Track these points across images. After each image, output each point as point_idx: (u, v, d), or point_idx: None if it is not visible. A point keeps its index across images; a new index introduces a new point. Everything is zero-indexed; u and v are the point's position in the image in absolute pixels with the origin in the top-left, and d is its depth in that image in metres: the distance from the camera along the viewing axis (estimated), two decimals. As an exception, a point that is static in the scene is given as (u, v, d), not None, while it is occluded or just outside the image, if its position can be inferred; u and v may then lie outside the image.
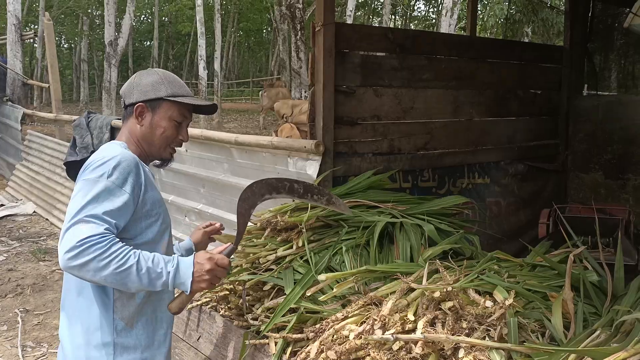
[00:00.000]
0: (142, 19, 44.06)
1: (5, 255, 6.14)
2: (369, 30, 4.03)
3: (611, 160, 5.07)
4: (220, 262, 1.77)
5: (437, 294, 1.64)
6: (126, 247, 1.65)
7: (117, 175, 1.71)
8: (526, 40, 16.67)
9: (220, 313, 2.42)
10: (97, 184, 1.68)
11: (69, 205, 1.68)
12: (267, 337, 2.13)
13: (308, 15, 19.28)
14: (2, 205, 8.20)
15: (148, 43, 44.24)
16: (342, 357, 1.68)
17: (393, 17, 34.60)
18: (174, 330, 2.69)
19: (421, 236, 2.35)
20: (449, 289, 1.63)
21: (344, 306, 2.09)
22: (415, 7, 38.01)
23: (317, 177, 3.58)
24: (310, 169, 3.65)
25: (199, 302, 2.51)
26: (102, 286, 1.78)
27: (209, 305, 2.49)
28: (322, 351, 1.75)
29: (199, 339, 2.49)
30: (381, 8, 24.61)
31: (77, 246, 1.56)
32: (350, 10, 15.38)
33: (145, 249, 1.76)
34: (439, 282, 1.79)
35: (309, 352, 1.77)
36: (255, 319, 2.28)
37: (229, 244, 1.91)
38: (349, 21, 15.59)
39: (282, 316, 2.15)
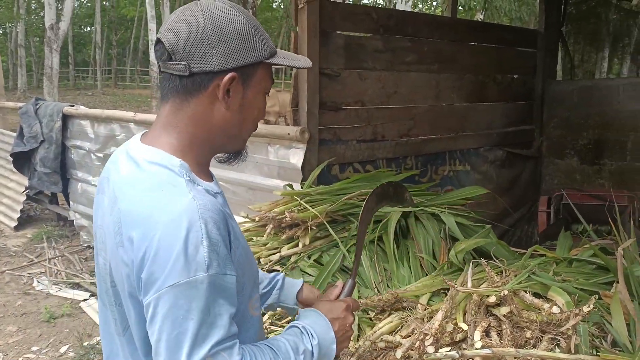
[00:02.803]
0: (83, 2, 42.23)
1: (-55, 255, 5.59)
2: (353, 9, 3.81)
3: (587, 146, 5.04)
4: (355, 307, 1.34)
5: (492, 299, 1.43)
6: (259, 350, 1.10)
7: (214, 258, 1.02)
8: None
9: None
10: (197, 289, 1.00)
11: (158, 337, 1.01)
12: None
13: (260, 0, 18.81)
14: (-61, 200, 7.53)
15: (89, 28, 42.51)
16: (384, 374, 1.46)
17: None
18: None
19: (439, 230, 2.15)
20: (505, 292, 1.42)
21: (364, 311, 1.88)
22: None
23: (301, 167, 3.34)
24: (294, 158, 3.40)
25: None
26: None
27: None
28: (357, 367, 1.52)
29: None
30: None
31: None
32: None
33: (239, 316, 1.15)
34: (484, 284, 1.59)
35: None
36: (260, 327, 2.02)
37: (346, 281, 1.38)
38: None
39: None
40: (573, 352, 1.29)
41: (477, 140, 4.73)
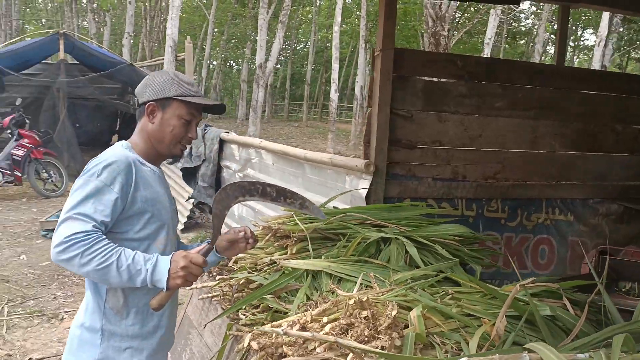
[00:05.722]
0: (307, 45, 46.73)
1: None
2: (434, 57, 4.05)
3: None
4: (195, 260, 1.83)
5: (351, 302, 1.72)
6: (110, 244, 1.74)
7: (106, 175, 1.81)
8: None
9: (222, 306, 2.65)
10: (89, 184, 1.79)
11: (66, 201, 1.82)
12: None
13: (453, 42, 19.11)
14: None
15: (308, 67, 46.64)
16: (265, 349, 1.83)
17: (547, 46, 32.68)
18: (192, 317, 2.98)
19: (406, 255, 2.39)
20: (364, 298, 1.70)
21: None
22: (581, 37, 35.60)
23: (366, 196, 3.70)
24: (361, 188, 3.77)
25: (210, 295, 2.77)
26: None
27: (217, 298, 2.73)
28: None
29: (205, 327, 2.74)
30: (535, 37, 23.57)
31: (65, 242, 1.68)
32: (489, 38, 14.93)
33: (139, 246, 1.89)
34: (368, 293, 1.86)
35: (243, 341, 1.94)
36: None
37: (205, 243, 2.00)
38: (487, 50, 15.11)
39: (261, 314, 2.33)
40: (389, 349, 1.52)
41: (584, 191, 4.55)
